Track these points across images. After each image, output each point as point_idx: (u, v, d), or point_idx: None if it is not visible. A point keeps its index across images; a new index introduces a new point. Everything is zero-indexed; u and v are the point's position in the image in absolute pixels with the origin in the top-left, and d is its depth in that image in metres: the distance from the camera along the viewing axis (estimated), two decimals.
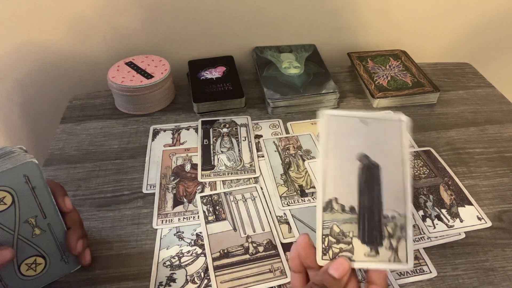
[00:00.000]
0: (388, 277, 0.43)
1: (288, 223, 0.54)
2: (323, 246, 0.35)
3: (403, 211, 0.36)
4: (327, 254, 0.35)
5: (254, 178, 0.60)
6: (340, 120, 0.37)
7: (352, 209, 0.35)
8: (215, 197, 0.57)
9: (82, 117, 0.73)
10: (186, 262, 0.50)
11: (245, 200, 0.57)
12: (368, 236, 0.35)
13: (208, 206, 0.56)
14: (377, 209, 0.35)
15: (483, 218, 0.54)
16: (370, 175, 0.36)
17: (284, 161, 0.63)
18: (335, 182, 0.35)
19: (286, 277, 0.48)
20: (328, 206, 0.35)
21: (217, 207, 0.56)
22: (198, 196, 0.57)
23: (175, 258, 0.50)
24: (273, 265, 0.49)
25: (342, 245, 0.35)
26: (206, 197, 0.57)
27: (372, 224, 0.35)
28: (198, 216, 0.55)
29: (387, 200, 0.36)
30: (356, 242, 0.35)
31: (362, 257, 0.35)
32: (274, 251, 0.50)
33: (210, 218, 0.54)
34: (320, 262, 0.35)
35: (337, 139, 0.36)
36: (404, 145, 0.37)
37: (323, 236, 0.35)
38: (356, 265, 0.34)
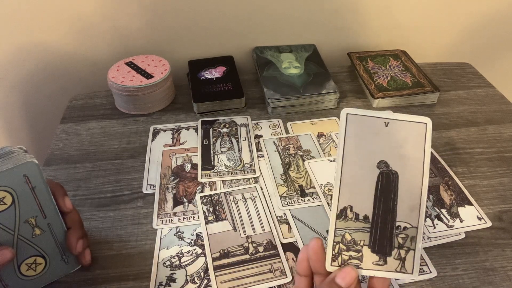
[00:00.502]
0: (390, 282, 0.43)
1: (288, 223, 0.54)
2: (333, 253, 0.34)
3: (416, 223, 0.35)
4: (336, 260, 0.34)
5: (254, 178, 0.60)
6: (359, 119, 0.35)
7: (365, 218, 0.35)
8: (215, 197, 0.57)
9: (82, 117, 0.73)
10: (186, 262, 0.50)
11: (245, 200, 0.57)
12: (379, 246, 0.35)
13: (208, 206, 0.56)
14: (391, 219, 0.35)
15: (483, 218, 0.54)
16: (387, 184, 0.35)
17: (284, 161, 0.63)
18: (351, 190, 0.35)
19: (286, 277, 0.48)
20: (342, 214, 0.35)
21: (217, 207, 0.56)
22: (198, 196, 0.57)
23: (175, 258, 0.50)
24: (273, 265, 0.49)
25: (351, 253, 0.34)
26: (206, 197, 0.57)
27: (384, 234, 0.35)
28: (198, 216, 0.55)
29: (402, 211, 0.35)
30: (366, 251, 0.35)
31: (370, 265, 0.34)
32: (274, 251, 0.50)
33: (210, 218, 0.54)
34: (329, 268, 0.34)
35: (356, 141, 0.35)
36: (426, 152, 0.35)
37: (334, 243, 0.34)
38: (363, 273, 0.34)
